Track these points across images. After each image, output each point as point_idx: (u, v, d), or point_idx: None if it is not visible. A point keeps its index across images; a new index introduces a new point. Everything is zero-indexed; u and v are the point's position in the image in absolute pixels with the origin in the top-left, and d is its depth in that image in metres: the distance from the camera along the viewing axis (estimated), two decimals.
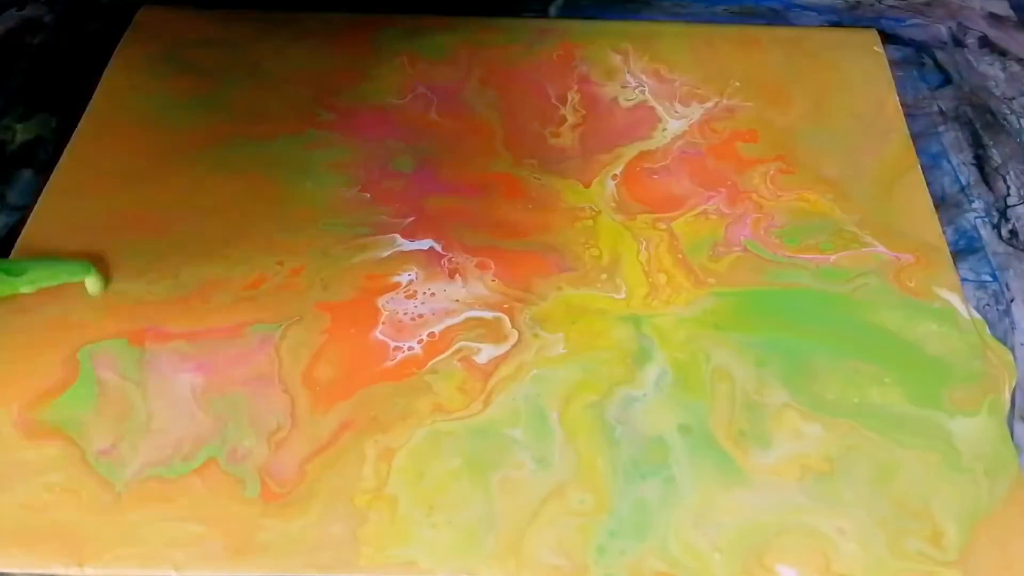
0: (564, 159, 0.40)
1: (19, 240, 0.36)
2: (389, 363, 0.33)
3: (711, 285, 0.35)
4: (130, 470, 0.30)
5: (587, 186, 0.39)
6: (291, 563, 0.28)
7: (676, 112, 0.42)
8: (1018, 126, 0.43)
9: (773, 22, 0.48)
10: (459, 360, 0.33)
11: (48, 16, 0.47)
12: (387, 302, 0.34)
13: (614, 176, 0.39)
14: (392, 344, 0.33)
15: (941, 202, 0.39)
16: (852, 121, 0.42)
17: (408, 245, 0.36)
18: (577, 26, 0.46)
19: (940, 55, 0.46)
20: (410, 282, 0.35)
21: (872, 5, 0.49)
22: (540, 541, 0.29)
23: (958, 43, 0.47)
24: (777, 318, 0.34)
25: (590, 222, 0.37)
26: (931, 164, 0.41)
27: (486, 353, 0.33)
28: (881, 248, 0.36)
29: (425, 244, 0.36)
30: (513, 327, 0.34)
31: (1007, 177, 0.40)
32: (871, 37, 0.46)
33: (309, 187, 0.38)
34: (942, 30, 0.48)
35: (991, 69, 0.45)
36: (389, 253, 0.36)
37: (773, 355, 0.33)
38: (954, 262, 0.36)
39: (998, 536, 0.29)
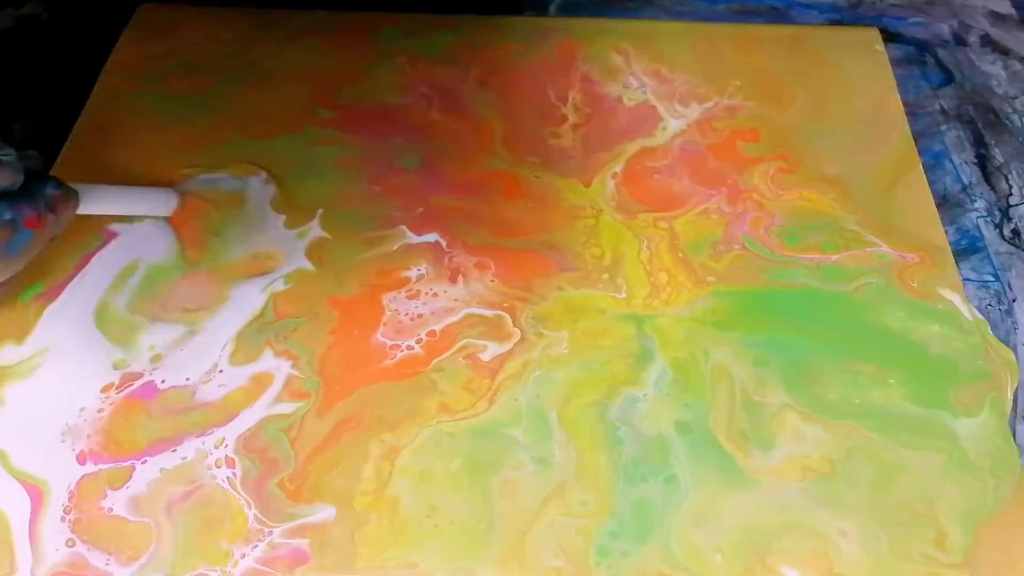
0: (564, 158, 0.40)
1: None
2: (389, 362, 0.32)
3: (712, 284, 0.35)
4: None
5: (587, 185, 0.39)
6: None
7: (676, 111, 0.42)
8: (1020, 125, 0.42)
9: (774, 20, 0.48)
10: (464, 358, 0.33)
11: (45, 15, 0.47)
12: (390, 301, 0.34)
13: (614, 175, 0.39)
14: (390, 343, 0.33)
15: (943, 201, 0.39)
16: (853, 120, 0.41)
17: (415, 239, 0.36)
18: (577, 24, 0.46)
19: (942, 54, 0.46)
20: (420, 277, 0.35)
21: (874, 3, 0.49)
22: (541, 542, 0.28)
23: (960, 42, 0.47)
24: (778, 318, 0.34)
25: (591, 221, 0.37)
26: (933, 163, 0.41)
27: (491, 351, 0.33)
28: (884, 248, 0.36)
29: (432, 237, 0.36)
30: (515, 326, 0.33)
31: (1009, 176, 0.40)
32: (873, 35, 0.46)
33: (311, 184, 0.38)
34: (944, 28, 0.47)
35: (993, 68, 0.45)
36: (398, 246, 0.36)
37: (773, 355, 0.33)
38: (956, 262, 0.36)
39: (1003, 538, 0.29)
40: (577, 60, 0.44)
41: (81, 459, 0.30)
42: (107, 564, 0.28)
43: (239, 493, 0.29)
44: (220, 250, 0.35)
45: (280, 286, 0.35)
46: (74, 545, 0.28)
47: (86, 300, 0.34)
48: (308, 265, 0.35)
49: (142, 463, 0.30)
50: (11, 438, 0.30)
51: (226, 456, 0.30)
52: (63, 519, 0.28)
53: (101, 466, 0.30)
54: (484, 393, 0.32)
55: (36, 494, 0.29)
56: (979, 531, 0.29)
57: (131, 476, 0.29)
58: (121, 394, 0.31)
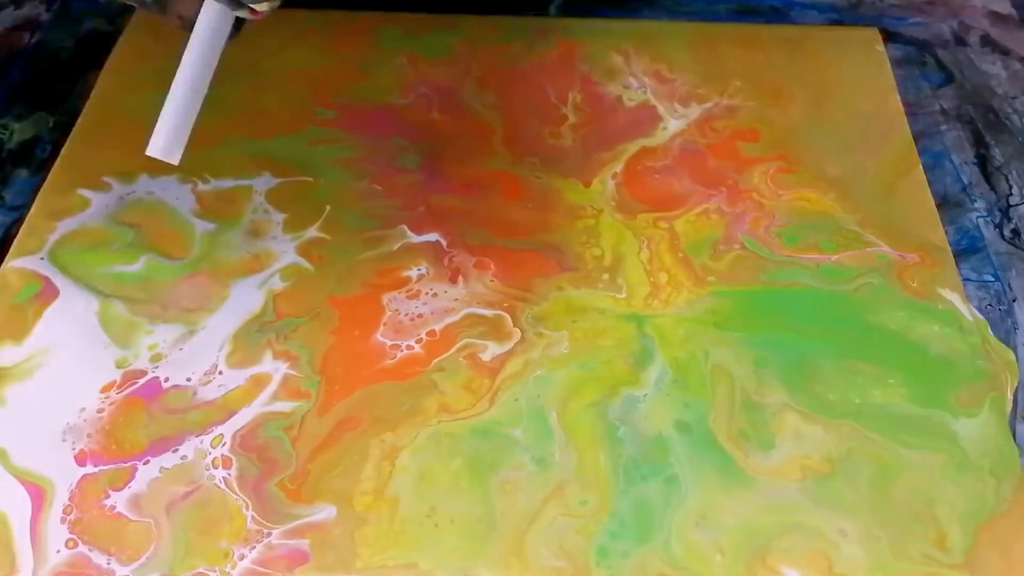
0: (564, 158, 0.40)
1: (16, 240, 0.36)
2: (389, 362, 0.32)
3: (711, 284, 0.35)
4: None
5: (587, 185, 0.39)
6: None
7: (676, 112, 0.42)
8: (1020, 125, 0.43)
9: (774, 20, 0.48)
10: (464, 358, 0.33)
11: (45, 15, 0.47)
12: (391, 300, 0.34)
13: (614, 175, 0.39)
14: (390, 343, 0.33)
15: (943, 202, 0.39)
16: (853, 120, 0.41)
17: (416, 238, 0.36)
18: (577, 24, 0.46)
19: (942, 54, 0.46)
20: (420, 277, 0.35)
21: (874, 3, 0.49)
22: (541, 542, 0.28)
23: (960, 42, 0.47)
24: (778, 318, 0.34)
25: (591, 221, 0.37)
26: (933, 163, 0.41)
27: (491, 351, 0.33)
28: (884, 248, 0.36)
29: (432, 237, 0.36)
30: (515, 326, 0.33)
31: (1009, 176, 0.40)
32: (873, 35, 0.46)
33: (315, 182, 0.38)
34: (944, 29, 0.47)
35: (993, 68, 0.45)
36: (399, 246, 0.36)
37: (773, 355, 0.33)
38: (956, 262, 0.36)
39: (1003, 538, 0.28)
40: (577, 60, 0.44)
41: (82, 459, 0.30)
42: (108, 564, 0.28)
43: (237, 494, 0.29)
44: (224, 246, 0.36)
45: (278, 284, 0.35)
46: (76, 546, 0.28)
47: (87, 300, 0.34)
48: (302, 261, 0.35)
49: (144, 464, 0.30)
50: (11, 438, 0.30)
51: (223, 456, 0.30)
52: (64, 520, 0.28)
53: (102, 467, 0.30)
54: (485, 393, 0.32)
55: (37, 494, 0.29)
56: (979, 531, 0.28)
57: (132, 476, 0.29)
58: (122, 393, 0.31)
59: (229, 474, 0.29)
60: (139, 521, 0.28)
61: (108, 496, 0.29)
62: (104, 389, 0.31)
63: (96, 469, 0.29)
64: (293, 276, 0.35)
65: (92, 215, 0.37)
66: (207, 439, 0.30)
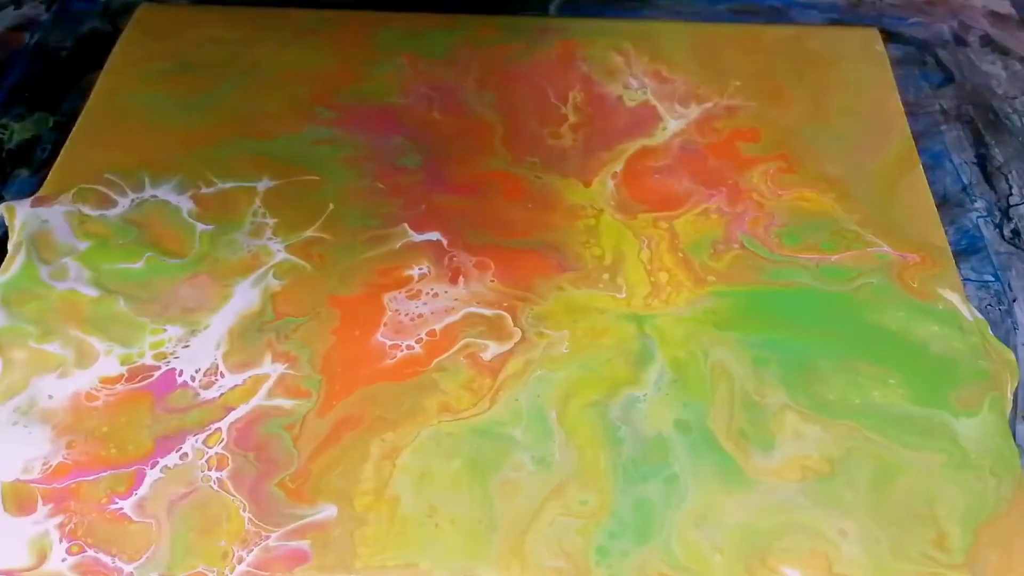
0: (564, 158, 0.40)
1: None
2: (389, 361, 0.32)
3: (711, 283, 0.35)
4: None
5: (587, 185, 0.39)
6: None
7: (676, 112, 0.42)
8: (1020, 125, 0.43)
9: (774, 20, 0.48)
10: (465, 357, 0.33)
11: (45, 14, 0.47)
12: (391, 300, 0.34)
13: (614, 175, 0.39)
14: (390, 343, 0.33)
15: (943, 201, 0.39)
16: (853, 120, 0.41)
17: (417, 237, 0.36)
18: (577, 24, 0.46)
19: (942, 54, 0.46)
20: (421, 276, 0.35)
21: (874, 3, 0.49)
22: (541, 542, 0.28)
23: (960, 42, 0.47)
24: (778, 318, 0.34)
25: (591, 221, 0.37)
26: (933, 163, 0.41)
27: (492, 351, 0.33)
28: (884, 248, 0.36)
29: (433, 236, 0.36)
30: (516, 326, 0.33)
31: (1009, 176, 0.40)
32: (873, 35, 0.46)
33: (316, 181, 0.38)
34: (944, 29, 0.48)
35: (993, 68, 0.45)
36: (400, 244, 0.36)
37: (773, 355, 0.33)
38: (956, 262, 0.36)
39: (1003, 538, 0.28)
40: (577, 60, 0.44)
41: (84, 462, 0.30)
42: (113, 562, 0.28)
43: (234, 495, 0.29)
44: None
45: (274, 282, 0.34)
46: (82, 551, 0.28)
47: (91, 296, 0.34)
48: (294, 258, 0.35)
49: (150, 467, 0.30)
50: (13, 439, 0.30)
51: (218, 455, 0.30)
52: (65, 524, 0.28)
53: (104, 472, 0.29)
54: (486, 392, 0.32)
55: (38, 499, 0.29)
56: (979, 531, 0.28)
57: (136, 480, 0.29)
58: (128, 387, 0.31)
59: (223, 475, 0.29)
60: (141, 522, 0.28)
61: (112, 500, 0.29)
62: (107, 383, 0.31)
63: (100, 474, 0.29)
64: (289, 274, 0.35)
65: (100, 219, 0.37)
66: (202, 436, 0.30)
